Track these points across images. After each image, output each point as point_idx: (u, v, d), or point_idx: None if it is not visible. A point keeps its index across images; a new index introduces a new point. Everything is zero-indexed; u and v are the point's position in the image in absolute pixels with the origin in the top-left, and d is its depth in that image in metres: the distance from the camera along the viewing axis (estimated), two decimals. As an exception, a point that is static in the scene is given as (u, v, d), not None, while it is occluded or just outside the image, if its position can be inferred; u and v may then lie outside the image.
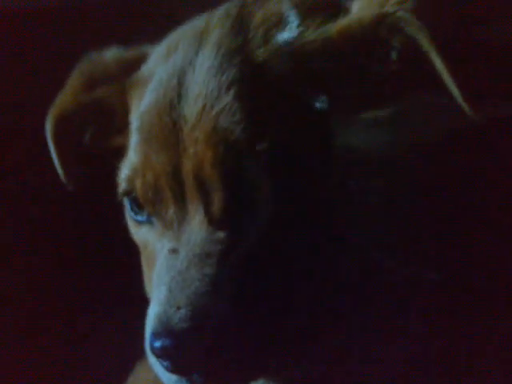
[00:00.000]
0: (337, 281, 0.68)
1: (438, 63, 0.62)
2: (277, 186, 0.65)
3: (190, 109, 0.67)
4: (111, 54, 0.83)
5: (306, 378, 0.71)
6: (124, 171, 0.72)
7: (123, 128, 0.77)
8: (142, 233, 0.73)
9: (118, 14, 1.05)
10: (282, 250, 0.66)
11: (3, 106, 1.10)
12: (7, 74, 1.11)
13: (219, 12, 0.74)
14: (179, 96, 0.68)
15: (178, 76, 0.69)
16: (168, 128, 0.68)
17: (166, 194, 0.67)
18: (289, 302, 0.66)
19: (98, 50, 0.84)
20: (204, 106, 0.66)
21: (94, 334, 1.12)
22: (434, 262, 0.72)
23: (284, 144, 0.65)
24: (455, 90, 0.62)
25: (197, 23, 0.75)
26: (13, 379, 1.08)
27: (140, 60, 0.80)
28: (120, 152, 0.76)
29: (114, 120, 0.80)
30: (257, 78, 0.66)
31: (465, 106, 0.62)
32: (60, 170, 0.84)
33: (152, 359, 0.66)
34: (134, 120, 0.73)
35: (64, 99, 0.82)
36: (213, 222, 0.65)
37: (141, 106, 0.72)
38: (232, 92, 0.66)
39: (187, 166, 0.66)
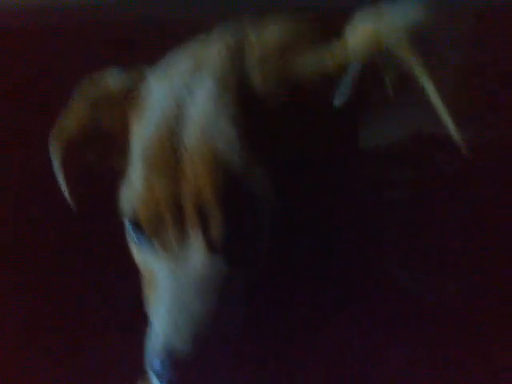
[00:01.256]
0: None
1: (433, 94, 0.63)
2: (283, 207, 0.65)
3: (189, 135, 0.66)
4: (112, 76, 0.83)
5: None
6: (126, 196, 0.71)
7: (123, 147, 0.77)
8: (142, 254, 0.72)
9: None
10: (290, 270, 0.66)
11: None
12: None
13: (215, 36, 0.73)
14: (178, 122, 0.68)
15: (176, 101, 0.69)
16: (169, 154, 0.67)
17: (167, 219, 0.67)
18: (297, 323, 0.67)
19: (98, 71, 0.85)
20: (202, 133, 0.66)
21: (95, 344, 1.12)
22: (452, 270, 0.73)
23: (286, 165, 0.65)
24: (449, 122, 0.62)
25: (193, 46, 0.74)
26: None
27: (139, 81, 0.79)
28: (120, 170, 0.76)
29: (113, 140, 0.80)
30: (254, 105, 0.66)
31: (457, 137, 0.63)
32: (67, 193, 0.84)
33: (152, 377, 0.66)
34: (136, 145, 0.73)
35: (69, 125, 0.82)
36: (212, 246, 0.65)
37: (141, 131, 0.72)
38: (229, 119, 0.65)
39: (187, 192, 0.65)
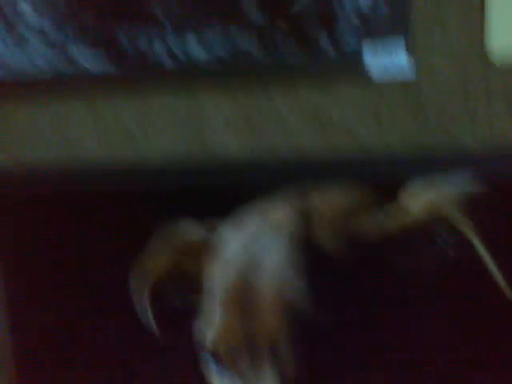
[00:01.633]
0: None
1: (486, 257, 0.72)
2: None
3: (262, 284, 0.75)
4: (188, 227, 0.92)
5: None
6: (205, 330, 0.79)
7: (200, 287, 0.85)
8: (219, 381, 0.79)
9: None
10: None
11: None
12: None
13: (283, 198, 0.83)
14: (252, 272, 0.76)
15: (250, 254, 0.78)
16: (243, 298, 0.76)
17: (243, 352, 0.75)
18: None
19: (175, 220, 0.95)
20: (274, 283, 0.75)
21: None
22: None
23: (345, 305, 0.74)
24: (500, 280, 0.71)
25: (263, 206, 0.84)
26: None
27: (213, 232, 0.88)
28: (198, 306, 0.84)
29: (192, 281, 0.88)
30: (320, 259, 0.75)
31: (507, 290, 0.72)
32: (150, 323, 0.93)
33: None
34: (212, 287, 0.81)
35: (153, 268, 0.91)
36: (283, 376, 0.73)
37: (217, 277, 0.81)
38: (299, 272, 0.74)
39: (260, 331, 0.74)
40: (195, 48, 1.19)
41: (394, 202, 0.80)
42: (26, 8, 1.24)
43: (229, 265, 0.80)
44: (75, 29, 1.23)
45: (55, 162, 1.29)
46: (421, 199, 0.78)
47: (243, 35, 1.17)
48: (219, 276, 0.81)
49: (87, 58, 1.24)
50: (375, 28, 1.12)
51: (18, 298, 1.31)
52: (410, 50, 1.13)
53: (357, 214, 0.79)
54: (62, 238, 1.23)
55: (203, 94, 1.22)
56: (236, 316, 0.76)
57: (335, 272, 0.75)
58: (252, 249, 0.78)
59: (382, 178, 0.92)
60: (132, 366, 1.23)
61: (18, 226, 1.28)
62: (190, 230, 0.91)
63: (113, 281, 1.03)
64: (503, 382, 0.86)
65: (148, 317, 0.92)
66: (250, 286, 0.76)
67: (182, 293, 0.90)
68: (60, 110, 1.29)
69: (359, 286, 0.76)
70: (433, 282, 0.78)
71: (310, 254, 0.76)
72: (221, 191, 1.10)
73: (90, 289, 1.21)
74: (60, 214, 1.24)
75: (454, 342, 0.82)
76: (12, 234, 1.29)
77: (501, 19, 1.09)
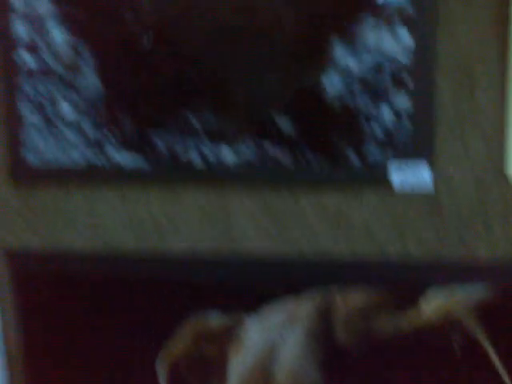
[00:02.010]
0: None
1: (493, 356, 0.75)
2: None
3: (280, 372, 0.78)
4: (215, 319, 0.95)
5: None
6: None
7: (221, 374, 0.87)
8: None
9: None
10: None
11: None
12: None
13: (306, 297, 0.87)
14: (271, 361, 0.79)
15: (270, 344, 0.81)
16: None
17: None
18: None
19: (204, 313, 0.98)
20: (291, 372, 0.77)
21: None
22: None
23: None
24: (506, 378, 0.75)
25: (287, 303, 0.87)
26: None
27: (238, 323, 0.91)
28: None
29: (213, 367, 0.90)
30: (336, 353, 0.78)
31: None
32: None
33: None
34: (232, 373, 0.84)
35: (176, 352, 0.94)
36: None
37: (238, 363, 0.83)
38: (315, 363, 0.77)
39: None
40: (227, 153, 1.24)
41: (411, 305, 0.84)
42: (65, 107, 1.30)
43: (249, 353, 0.83)
44: (112, 130, 1.28)
45: (84, 246, 1.32)
46: (436, 303, 0.81)
47: (273, 144, 1.22)
48: (239, 363, 0.83)
49: (122, 155, 1.28)
50: (400, 146, 1.17)
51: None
52: (433, 167, 1.18)
53: (374, 315, 0.82)
54: (87, 324, 1.24)
55: (232, 193, 1.26)
56: None
57: (349, 365, 0.78)
58: (273, 341, 0.81)
59: (400, 283, 0.95)
60: None
61: (43, 307, 1.30)
62: (215, 320, 0.94)
63: (139, 371, 1.04)
64: None
65: None
66: (267, 375, 0.79)
67: (203, 377, 0.92)
68: (92, 198, 1.33)
69: (373, 378, 0.78)
70: (443, 378, 0.80)
71: (326, 347, 0.79)
72: (245, 286, 1.12)
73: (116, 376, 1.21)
74: (85, 299, 1.25)
75: None
76: (36, 315, 1.30)
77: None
